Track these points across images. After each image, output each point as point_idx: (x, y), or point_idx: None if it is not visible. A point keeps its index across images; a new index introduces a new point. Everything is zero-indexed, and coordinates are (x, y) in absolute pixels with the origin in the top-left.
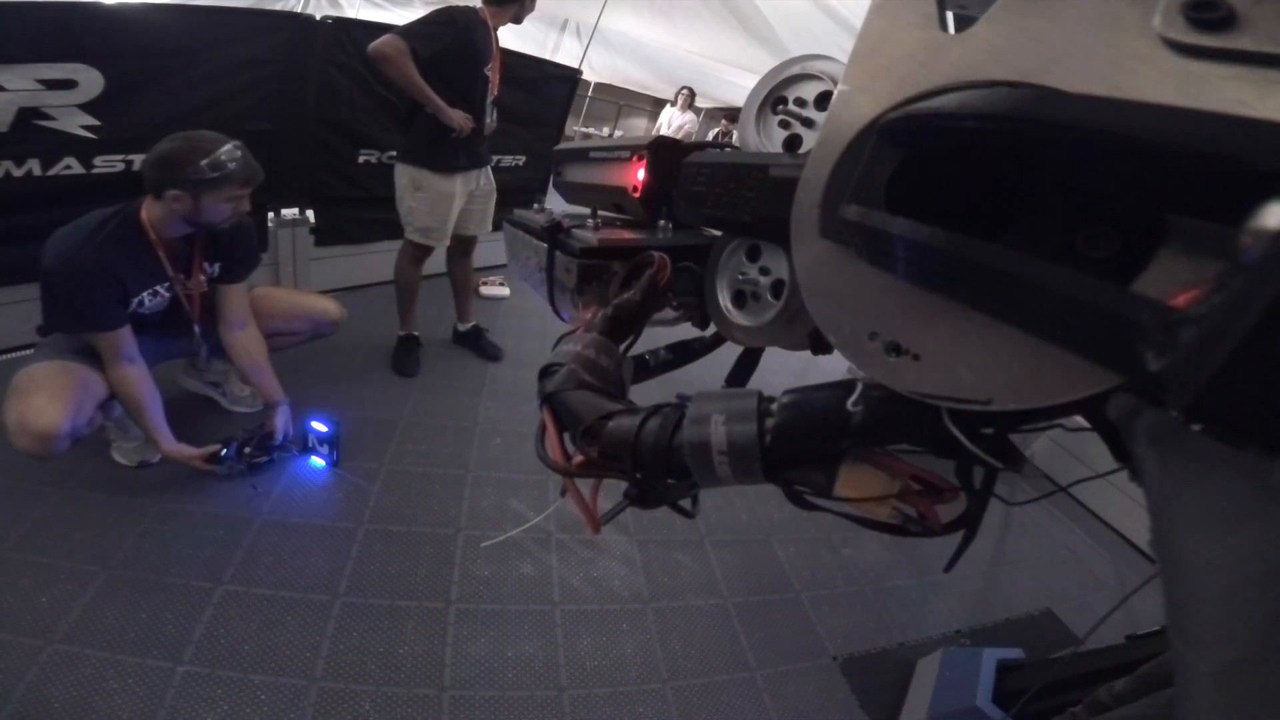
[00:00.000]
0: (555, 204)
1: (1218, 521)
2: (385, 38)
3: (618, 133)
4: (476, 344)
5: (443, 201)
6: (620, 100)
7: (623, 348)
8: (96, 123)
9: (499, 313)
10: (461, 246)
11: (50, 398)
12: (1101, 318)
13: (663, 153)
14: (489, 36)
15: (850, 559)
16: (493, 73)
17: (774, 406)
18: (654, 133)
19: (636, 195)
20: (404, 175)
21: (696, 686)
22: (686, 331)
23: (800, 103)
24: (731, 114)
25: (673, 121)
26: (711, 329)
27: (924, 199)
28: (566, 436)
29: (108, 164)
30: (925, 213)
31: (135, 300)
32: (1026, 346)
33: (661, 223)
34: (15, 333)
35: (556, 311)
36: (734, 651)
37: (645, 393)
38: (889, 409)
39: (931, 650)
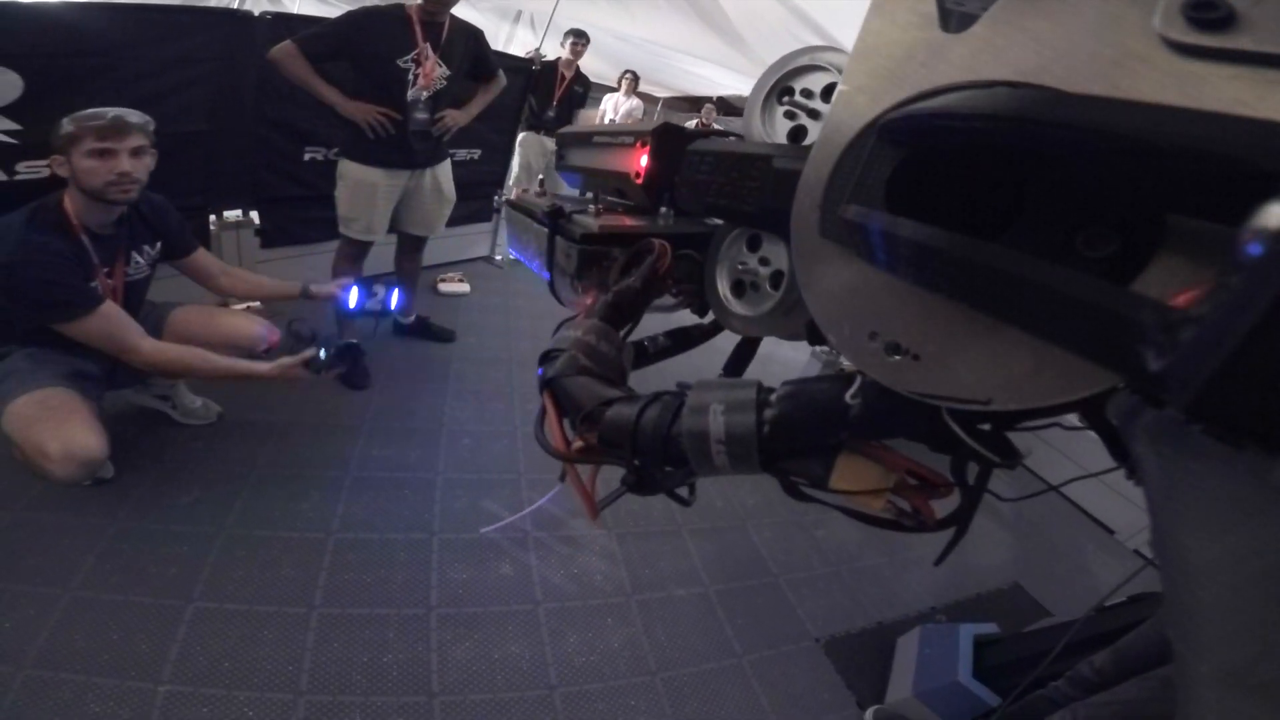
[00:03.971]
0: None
1: (1218, 521)
2: (280, 44)
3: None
4: (426, 331)
5: (362, 191)
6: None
7: (622, 334)
8: (17, 127)
9: (460, 309)
10: (410, 244)
11: (81, 423)
12: (1101, 318)
13: (667, 139)
14: (405, 28)
15: (823, 540)
16: (420, 65)
17: (773, 397)
18: (598, 119)
19: (639, 181)
20: (337, 167)
21: (686, 676)
22: (686, 318)
23: (807, 94)
24: (723, 105)
25: (619, 107)
26: (710, 316)
27: (924, 199)
28: (567, 422)
29: (32, 170)
30: (925, 212)
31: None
32: (1026, 347)
33: (663, 209)
34: None
35: (556, 295)
36: (719, 639)
37: (645, 380)
38: (887, 402)
39: (909, 628)
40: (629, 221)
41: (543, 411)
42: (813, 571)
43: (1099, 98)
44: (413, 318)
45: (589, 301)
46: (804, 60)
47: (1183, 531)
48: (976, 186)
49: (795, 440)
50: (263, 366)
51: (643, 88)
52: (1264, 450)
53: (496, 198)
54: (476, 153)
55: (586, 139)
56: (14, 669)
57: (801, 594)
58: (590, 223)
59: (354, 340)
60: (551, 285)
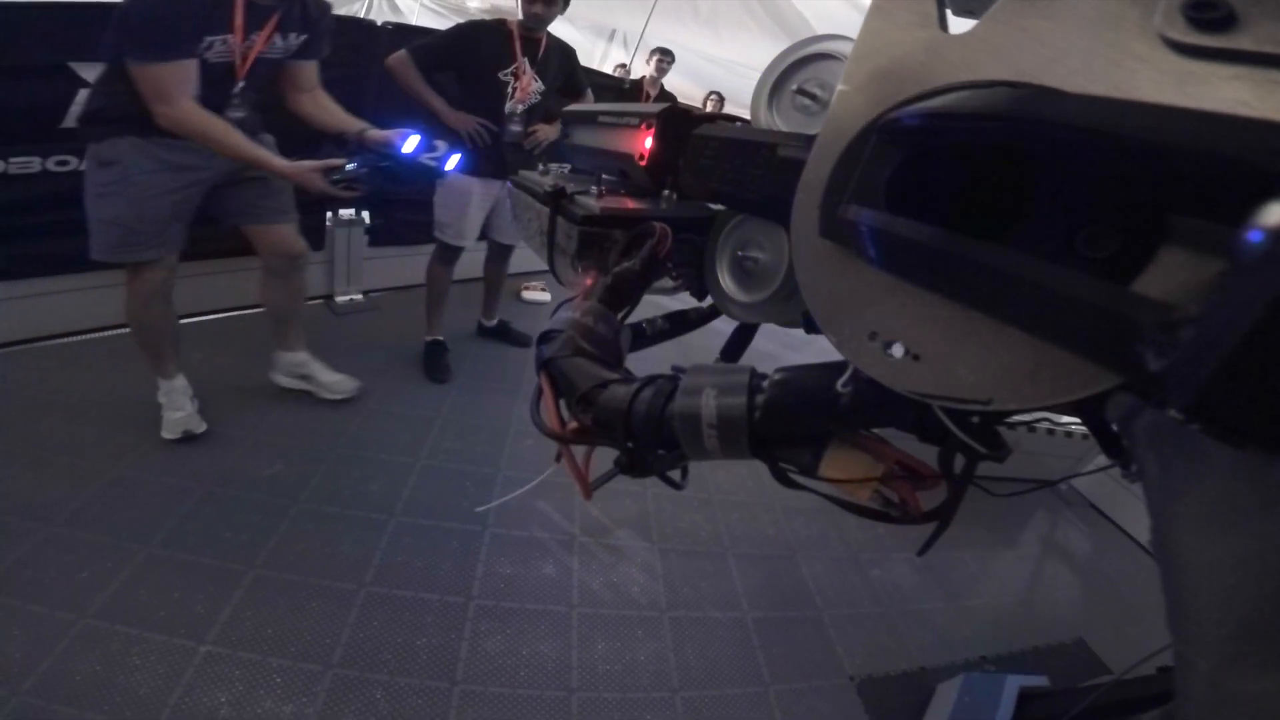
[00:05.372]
0: None
1: (1217, 521)
2: (395, 53)
3: None
4: (505, 334)
5: (455, 198)
6: None
7: (620, 316)
8: None
9: (540, 316)
10: (498, 252)
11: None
12: (1101, 318)
13: (672, 122)
14: (506, 42)
15: (878, 580)
16: (518, 79)
17: (765, 383)
18: None
19: (643, 164)
20: None
21: (707, 698)
22: (686, 300)
23: (816, 83)
24: None
25: None
26: (708, 300)
27: (924, 199)
28: (562, 403)
29: None
30: (925, 213)
31: (203, 43)
32: (1026, 346)
33: (665, 192)
34: (70, 319)
35: (555, 275)
36: (749, 665)
37: (642, 364)
38: (877, 392)
39: (953, 675)
40: (631, 204)
41: (539, 392)
42: (860, 609)
43: (1099, 98)
44: (495, 321)
45: (588, 283)
46: (812, 49)
47: (1183, 531)
48: (976, 187)
49: (785, 426)
50: (280, 161)
51: (730, 109)
52: (1264, 451)
53: (541, 167)
54: (566, 167)
55: (592, 118)
56: (75, 617)
57: (844, 630)
58: (592, 204)
59: (389, 164)
60: (551, 265)
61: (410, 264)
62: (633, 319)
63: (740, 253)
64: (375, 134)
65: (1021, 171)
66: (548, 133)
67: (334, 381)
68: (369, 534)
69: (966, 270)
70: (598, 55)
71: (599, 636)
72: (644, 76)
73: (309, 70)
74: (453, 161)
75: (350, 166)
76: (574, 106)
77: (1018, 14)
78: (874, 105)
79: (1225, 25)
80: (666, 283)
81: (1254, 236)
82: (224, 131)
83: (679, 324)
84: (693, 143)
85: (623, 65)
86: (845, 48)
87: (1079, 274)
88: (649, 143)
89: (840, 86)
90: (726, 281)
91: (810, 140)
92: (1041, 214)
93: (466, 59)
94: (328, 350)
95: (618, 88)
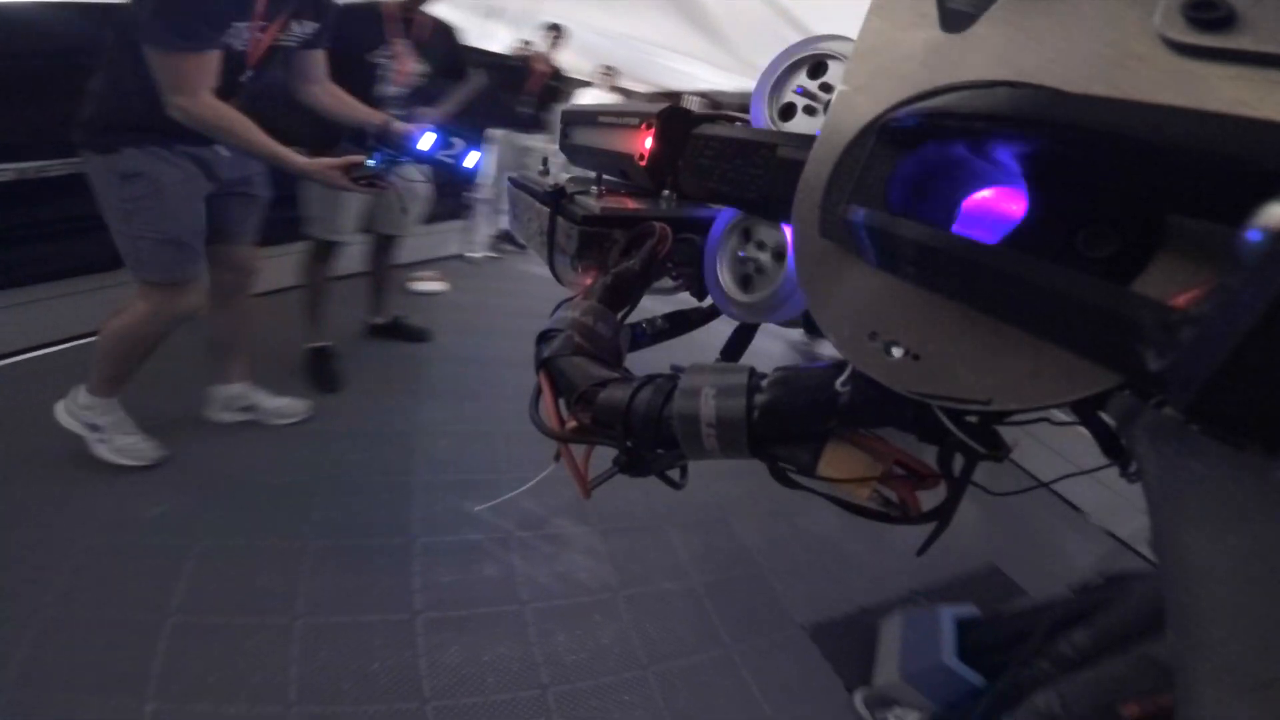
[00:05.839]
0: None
1: (1218, 521)
2: None
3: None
4: (400, 331)
5: (325, 190)
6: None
7: (620, 316)
8: None
9: (436, 308)
10: (380, 244)
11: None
12: (1101, 318)
13: (673, 122)
14: (380, 24)
15: (806, 529)
16: (396, 62)
17: (764, 383)
18: None
19: (643, 164)
20: None
21: (677, 669)
22: (684, 301)
23: (825, 87)
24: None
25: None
26: (709, 300)
27: (923, 199)
28: (561, 402)
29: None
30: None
31: (232, 30)
32: (1026, 346)
33: (666, 192)
34: None
35: (555, 275)
36: (708, 630)
37: (641, 363)
38: (876, 391)
39: (890, 611)
40: (631, 204)
41: (538, 391)
42: (796, 560)
43: (1099, 98)
44: (386, 318)
45: (587, 282)
46: (812, 49)
47: (1183, 531)
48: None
49: (784, 426)
50: (300, 159)
51: (623, 83)
52: (1264, 451)
53: (541, 167)
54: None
55: (591, 118)
56: None
57: (786, 582)
58: (592, 204)
59: (408, 160)
60: (551, 265)
61: (278, 265)
62: (632, 319)
63: (740, 253)
64: (399, 126)
65: (1021, 172)
66: (431, 118)
67: (282, 406)
68: (286, 562)
69: (966, 270)
70: (480, 33)
71: (557, 628)
72: (533, 54)
73: (318, 59)
74: (472, 158)
75: (370, 163)
76: (572, 106)
77: (1018, 14)
78: (874, 105)
79: (1225, 25)
80: (666, 282)
81: (1254, 236)
82: (245, 126)
83: (679, 324)
84: (692, 142)
85: (526, 43)
86: (846, 48)
87: (1079, 274)
88: (649, 143)
89: (840, 86)
90: (726, 281)
91: (810, 140)
92: (1041, 214)
93: (336, 44)
94: (195, 371)
95: (504, 65)
